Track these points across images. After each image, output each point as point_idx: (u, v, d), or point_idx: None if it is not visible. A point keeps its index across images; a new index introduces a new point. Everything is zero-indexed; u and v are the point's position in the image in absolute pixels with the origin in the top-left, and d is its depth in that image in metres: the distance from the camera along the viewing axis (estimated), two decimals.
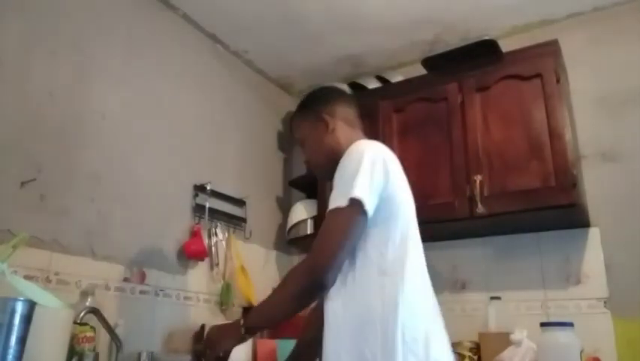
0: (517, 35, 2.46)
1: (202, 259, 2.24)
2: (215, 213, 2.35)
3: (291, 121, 1.57)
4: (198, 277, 2.25)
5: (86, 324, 1.59)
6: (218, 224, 2.38)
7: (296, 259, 2.81)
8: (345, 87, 2.67)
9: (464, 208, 2.06)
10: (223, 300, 2.31)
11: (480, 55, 2.19)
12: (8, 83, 1.66)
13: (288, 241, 2.72)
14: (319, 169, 1.40)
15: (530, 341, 1.85)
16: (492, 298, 2.17)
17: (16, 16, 1.71)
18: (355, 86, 2.69)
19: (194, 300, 2.21)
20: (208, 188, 2.31)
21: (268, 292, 1.29)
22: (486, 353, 2.00)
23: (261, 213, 2.70)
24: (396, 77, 2.60)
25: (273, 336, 2.40)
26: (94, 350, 1.62)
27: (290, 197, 2.96)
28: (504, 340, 1.90)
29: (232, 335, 1.20)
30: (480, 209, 2.00)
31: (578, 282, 2.11)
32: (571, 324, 1.77)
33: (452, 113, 2.21)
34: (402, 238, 1.18)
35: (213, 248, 2.33)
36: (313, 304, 1.38)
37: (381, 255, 1.15)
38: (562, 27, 2.38)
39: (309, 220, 2.58)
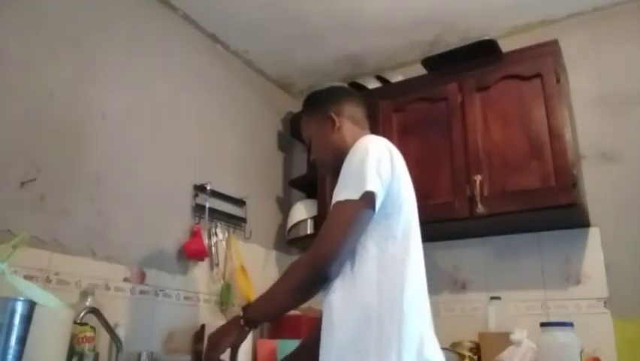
0: (517, 35, 2.46)
1: (202, 259, 2.25)
2: (215, 213, 2.35)
3: (296, 119, 1.58)
4: (198, 277, 2.25)
5: (86, 324, 1.59)
6: (218, 224, 2.38)
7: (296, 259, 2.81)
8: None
9: (464, 208, 2.06)
10: (223, 300, 2.31)
11: (480, 55, 2.19)
12: (8, 83, 1.66)
13: (288, 241, 2.72)
14: (326, 166, 1.41)
15: (530, 341, 1.85)
16: (492, 298, 2.17)
17: (17, 16, 1.71)
18: (355, 86, 2.68)
19: (194, 300, 2.21)
20: (208, 188, 2.31)
21: None
22: (486, 353, 2.00)
23: (261, 213, 2.70)
24: (396, 77, 2.60)
25: (273, 336, 2.40)
26: (94, 350, 1.62)
27: (290, 197, 2.96)
28: (504, 340, 1.90)
29: (232, 330, 1.19)
30: (480, 209, 2.00)
31: (578, 282, 2.11)
32: (571, 324, 1.77)
33: (452, 113, 2.21)
34: (403, 235, 1.18)
35: (213, 248, 2.33)
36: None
37: (381, 251, 1.15)
38: (562, 27, 2.38)
39: (309, 220, 2.58)
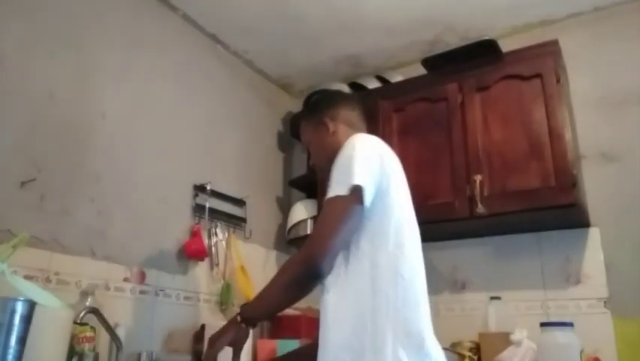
0: (517, 35, 2.46)
1: (202, 259, 2.24)
2: (215, 213, 2.35)
3: (296, 119, 1.60)
4: (198, 277, 2.25)
5: (86, 324, 1.59)
6: (218, 224, 2.38)
7: None
8: (344, 87, 2.68)
9: (464, 208, 2.06)
10: (223, 300, 2.31)
11: (480, 55, 2.19)
12: (9, 83, 1.66)
13: (288, 240, 2.72)
14: (323, 171, 1.42)
15: (530, 341, 1.85)
16: (492, 298, 2.17)
17: (16, 17, 1.71)
18: (355, 86, 2.69)
19: (194, 300, 2.21)
20: (208, 188, 2.31)
21: None
22: (486, 353, 2.00)
23: (261, 213, 2.70)
24: (396, 77, 2.60)
25: (273, 336, 2.40)
26: (94, 350, 1.62)
27: (290, 197, 2.96)
28: (504, 340, 1.90)
29: (230, 328, 1.19)
30: (480, 209, 2.00)
31: (578, 282, 2.11)
32: (571, 324, 1.77)
33: (452, 113, 2.21)
34: (396, 233, 1.17)
35: (213, 248, 2.33)
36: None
37: (373, 248, 1.15)
38: (562, 27, 2.38)
39: (309, 220, 2.58)
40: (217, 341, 1.19)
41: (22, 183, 1.63)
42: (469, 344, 2.06)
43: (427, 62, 2.36)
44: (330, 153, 1.35)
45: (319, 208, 2.48)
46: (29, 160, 1.67)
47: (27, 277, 1.50)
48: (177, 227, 2.18)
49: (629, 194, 2.09)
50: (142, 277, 1.98)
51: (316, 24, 2.49)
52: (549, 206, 1.92)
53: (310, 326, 2.21)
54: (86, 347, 1.59)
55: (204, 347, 1.25)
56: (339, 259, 1.15)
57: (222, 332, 1.20)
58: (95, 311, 1.57)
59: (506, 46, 2.20)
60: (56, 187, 1.73)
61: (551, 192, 1.91)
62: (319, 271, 1.10)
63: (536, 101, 2.04)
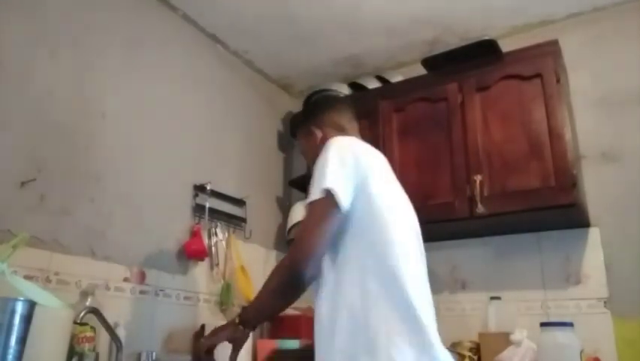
0: (517, 35, 2.46)
1: (202, 259, 2.24)
2: (215, 213, 2.35)
3: (296, 119, 1.63)
4: (198, 277, 2.25)
5: (86, 324, 1.59)
6: (218, 224, 2.38)
7: None
8: (344, 88, 2.68)
9: (464, 208, 2.06)
10: (223, 300, 2.31)
11: (480, 55, 2.19)
12: (9, 83, 1.66)
13: (288, 240, 2.71)
14: None
15: (530, 341, 1.85)
16: (492, 298, 2.17)
17: (17, 16, 1.71)
18: (355, 86, 2.69)
19: (194, 300, 2.21)
20: (208, 188, 2.31)
21: None
22: (486, 353, 2.00)
23: (261, 213, 2.70)
24: (396, 77, 2.60)
25: (273, 336, 2.40)
26: (94, 350, 1.62)
27: (290, 197, 2.96)
28: (504, 340, 1.90)
29: (228, 326, 1.23)
30: (480, 209, 2.00)
31: (578, 282, 2.11)
32: (571, 324, 1.77)
33: (452, 113, 2.21)
34: (381, 231, 1.16)
35: (213, 248, 2.33)
36: None
37: (360, 249, 1.15)
38: (562, 27, 2.38)
39: None
40: (217, 334, 1.22)
41: (22, 183, 1.63)
42: (469, 344, 2.07)
43: (427, 62, 2.36)
44: None
45: None
46: (29, 160, 1.67)
47: (27, 277, 1.50)
48: (177, 227, 2.18)
49: (629, 194, 2.09)
50: (142, 277, 1.98)
51: (316, 24, 2.49)
52: (549, 206, 1.92)
53: (310, 326, 2.20)
54: (86, 347, 1.59)
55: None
56: (328, 261, 1.16)
57: (222, 328, 1.23)
58: (95, 311, 1.57)
59: (506, 46, 2.20)
60: (56, 187, 1.73)
61: (551, 192, 1.91)
62: (303, 276, 1.12)
63: (536, 101, 2.04)
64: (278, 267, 1.20)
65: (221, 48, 2.67)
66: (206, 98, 2.50)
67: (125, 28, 2.11)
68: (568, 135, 1.97)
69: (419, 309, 1.11)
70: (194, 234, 2.20)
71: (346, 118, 1.47)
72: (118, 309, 1.84)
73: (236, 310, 2.35)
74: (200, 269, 2.26)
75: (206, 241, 2.27)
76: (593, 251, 2.10)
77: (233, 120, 2.66)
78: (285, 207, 2.89)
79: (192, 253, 2.17)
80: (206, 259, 2.28)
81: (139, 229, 2.01)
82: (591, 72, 2.29)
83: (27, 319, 1.16)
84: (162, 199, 2.13)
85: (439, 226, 2.13)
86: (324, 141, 1.39)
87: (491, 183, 2.04)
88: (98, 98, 1.95)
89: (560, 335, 1.75)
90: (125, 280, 1.91)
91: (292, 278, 1.13)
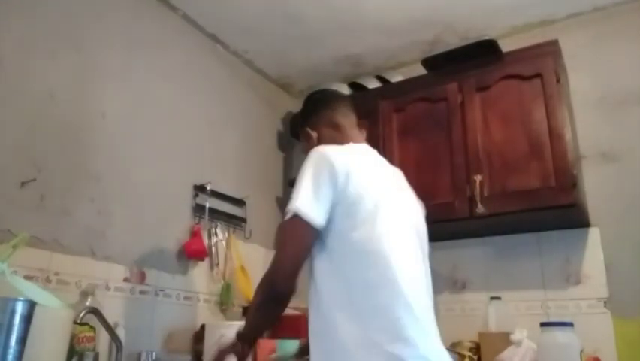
0: (517, 35, 2.46)
1: (202, 259, 2.24)
2: (215, 213, 2.35)
3: (296, 119, 1.62)
4: (198, 277, 2.25)
5: (86, 324, 1.59)
6: (218, 224, 2.38)
7: None
8: (344, 87, 2.68)
9: (464, 208, 2.06)
10: (223, 300, 2.31)
11: (480, 55, 2.19)
12: (8, 83, 1.66)
13: None
14: None
15: (530, 341, 1.85)
16: (492, 298, 2.17)
17: (16, 16, 1.71)
18: (355, 86, 2.69)
19: (194, 300, 2.21)
20: (208, 188, 2.31)
21: None
22: (486, 353, 2.00)
23: (261, 213, 2.70)
24: (396, 77, 2.60)
25: (273, 336, 2.40)
26: (94, 350, 1.62)
27: (290, 197, 2.95)
28: (504, 340, 1.90)
29: (230, 346, 1.26)
30: (480, 209, 2.00)
31: (578, 282, 2.11)
32: (571, 324, 1.77)
33: (452, 113, 2.21)
34: (364, 243, 1.14)
35: (213, 248, 2.33)
36: None
37: (342, 263, 1.14)
38: (562, 27, 2.38)
39: None
40: (224, 355, 1.26)
41: (22, 183, 1.63)
42: (469, 344, 2.06)
43: (427, 62, 2.36)
44: None
45: None
46: (29, 160, 1.67)
47: (27, 277, 1.49)
48: (177, 227, 2.18)
49: (629, 194, 2.09)
50: (142, 277, 1.98)
51: (316, 24, 2.49)
52: (549, 206, 1.92)
53: None
54: (86, 347, 1.59)
55: (204, 347, 1.29)
56: (314, 275, 1.18)
57: (225, 350, 1.27)
58: (94, 311, 1.57)
59: (506, 46, 2.20)
60: (56, 187, 1.73)
61: (551, 192, 1.91)
62: (280, 292, 1.17)
63: (536, 101, 2.04)
64: (260, 284, 1.24)
65: (221, 48, 2.66)
66: (206, 98, 2.50)
67: (125, 28, 2.11)
68: (568, 135, 1.97)
69: (412, 317, 1.09)
70: (194, 234, 2.20)
71: (341, 113, 1.45)
72: (118, 309, 1.84)
73: (236, 310, 2.35)
74: (200, 269, 2.26)
75: (206, 241, 2.27)
76: (593, 251, 2.10)
77: (233, 120, 2.66)
78: (284, 207, 2.88)
79: (192, 253, 2.17)
80: (206, 259, 2.28)
81: (139, 229, 2.01)
82: (591, 72, 2.29)
83: (27, 319, 1.16)
84: (162, 199, 2.13)
85: (439, 225, 2.11)
86: (320, 141, 1.40)
87: (491, 183, 2.04)
88: (98, 98, 1.94)
89: (560, 335, 1.75)
90: (125, 280, 1.91)
91: (271, 295, 1.19)
